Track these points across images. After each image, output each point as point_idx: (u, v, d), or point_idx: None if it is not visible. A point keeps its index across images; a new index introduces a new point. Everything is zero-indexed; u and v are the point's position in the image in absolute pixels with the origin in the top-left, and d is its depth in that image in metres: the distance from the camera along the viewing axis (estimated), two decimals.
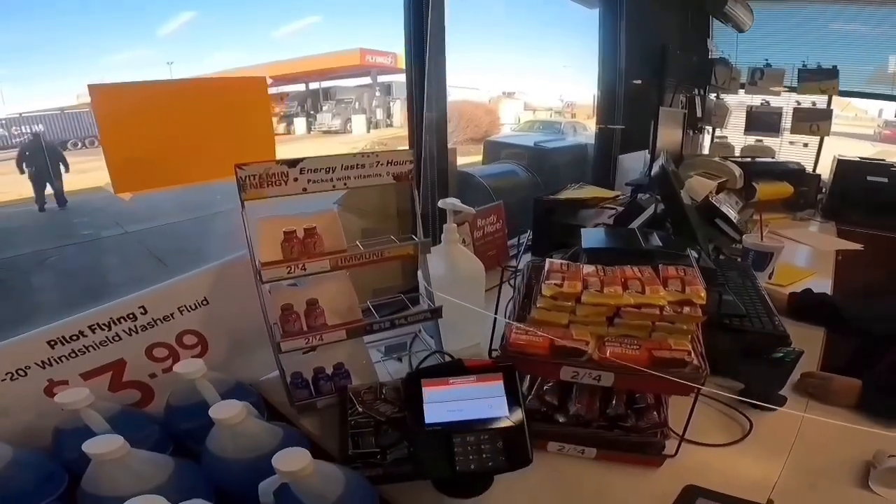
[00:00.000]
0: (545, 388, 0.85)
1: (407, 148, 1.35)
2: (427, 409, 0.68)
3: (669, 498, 0.74)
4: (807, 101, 2.84)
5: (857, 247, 1.80)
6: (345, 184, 0.86)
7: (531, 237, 1.56)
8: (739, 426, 0.90)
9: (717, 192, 1.80)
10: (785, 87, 2.89)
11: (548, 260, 0.86)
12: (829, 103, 2.77)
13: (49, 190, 6.04)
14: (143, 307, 0.84)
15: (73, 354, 0.78)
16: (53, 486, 0.66)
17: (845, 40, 3.01)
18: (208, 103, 0.97)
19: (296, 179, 0.81)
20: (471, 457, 0.65)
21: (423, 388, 0.69)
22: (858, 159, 2.41)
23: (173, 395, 0.80)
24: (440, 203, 1.02)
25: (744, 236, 1.47)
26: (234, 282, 0.90)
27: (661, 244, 0.95)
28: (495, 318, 0.83)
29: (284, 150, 0.81)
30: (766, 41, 3.15)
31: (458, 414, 0.68)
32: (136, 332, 0.84)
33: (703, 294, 0.74)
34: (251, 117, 1.02)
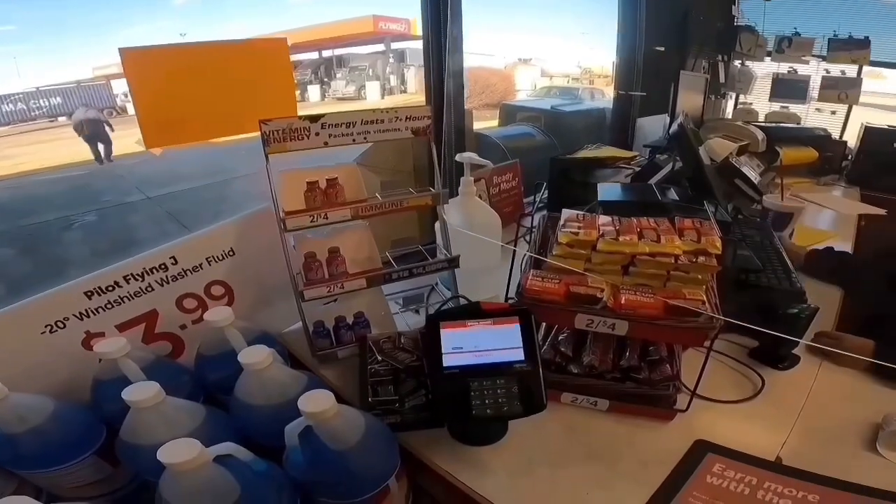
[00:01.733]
0: (560, 338, 0.86)
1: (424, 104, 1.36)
2: (445, 354, 0.70)
3: (680, 452, 0.75)
4: (836, 70, 2.76)
5: (881, 211, 1.77)
6: (365, 138, 0.87)
7: (547, 195, 1.57)
8: (751, 384, 0.90)
9: (739, 155, 1.77)
10: (814, 55, 2.81)
11: (564, 210, 0.87)
12: (859, 72, 2.71)
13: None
14: (173, 258, 0.87)
15: (109, 306, 0.81)
16: (93, 439, 0.69)
17: (880, 10, 2.89)
18: (233, 64, 0.99)
19: (317, 134, 0.83)
20: (487, 401, 0.66)
21: (441, 331, 0.71)
22: (887, 127, 2.34)
23: (203, 345, 0.82)
24: (458, 157, 1.03)
25: (764, 197, 1.45)
26: (259, 233, 0.93)
27: (677, 198, 0.95)
28: (511, 266, 0.84)
29: None
30: (794, 10, 3.04)
31: (475, 358, 0.69)
32: (168, 283, 0.87)
33: (718, 244, 0.75)
34: (273, 77, 1.04)
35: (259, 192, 0.90)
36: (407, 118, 0.90)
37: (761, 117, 2.88)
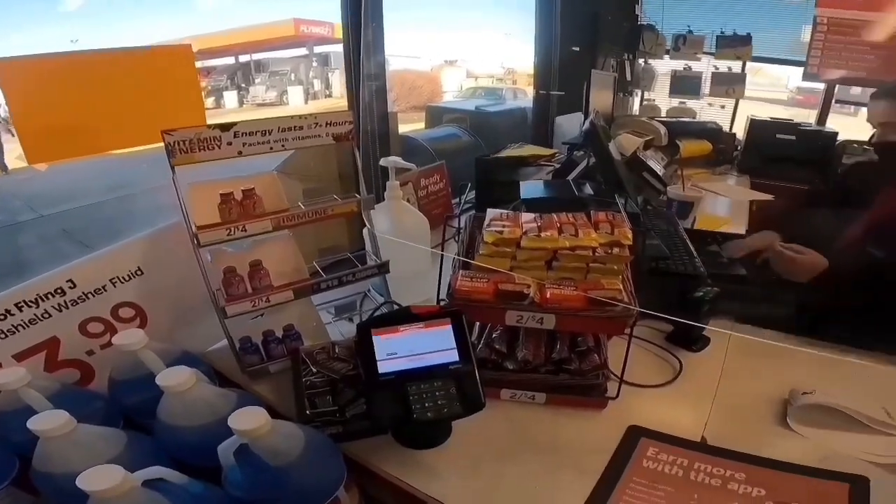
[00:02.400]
0: (493, 335, 0.88)
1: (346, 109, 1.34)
2: (380, 360, 0.69)
3: (616, 438, 0.78)
4: (725, 66, 2.99)
5: (768, 197, 1.99)
6: (283, 146, 0.85)
7: (474, 195, 1.60)
8: (672, 367, 0.95)
9: (645, 149, 1.91)
10: (705, 52, 3.03)
11: (489, 210, 0.89)
12: (742, 68, 2.96)
13: None
14: (70, 281, 0.80)
15: (2, 335, 0.74)
16: (5, 471, 0.63)
17: (763, 8, 3.14)
18: (132, 73, 0.94)
19: (229, 143, 0.79)
20: (427, 404, 0.67)
21: (374, 338, 0.71)
22: (769, 119, 2.63)
23: (116, 370, 0.77)
24: (382, 161, 1.03)
25: (668, 188, 1.58)
26: (170, 249, 0.88)
27: (592, 193, 1.00)
28: (441, 268, 0.85)
29: None
30: (689, 8, 3.25)
31: (410, 363, 0.70)
32: (67, 308, 0.80)
33: (629, 235, 0.80)
34: (178, 85, 1.00)
35: (171, 206, 0.84)
36: (328, 124, 0.88)
37: (663, 112, 3.07)
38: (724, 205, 1.92)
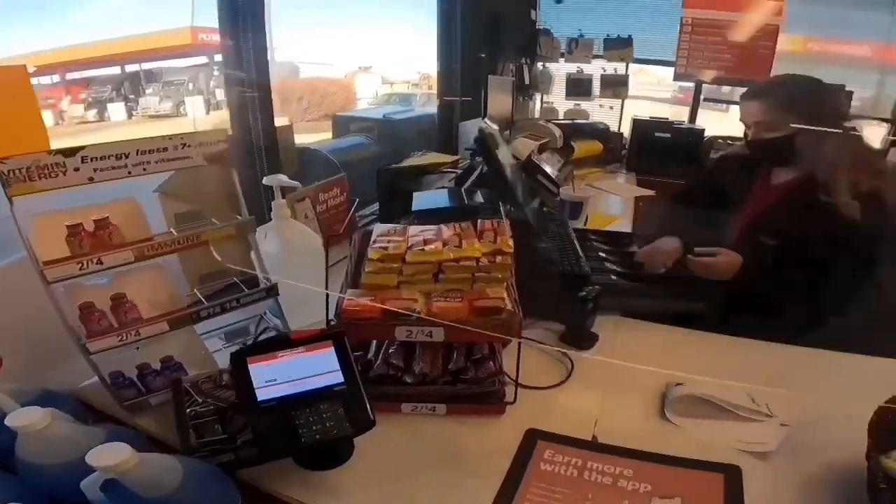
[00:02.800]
0: (390, 351, 0.88)
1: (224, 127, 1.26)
2: (259, 387, 0.68)
3: (516, 442, 0.80)
4: (612, 68, 3.17)
5: (651, 193, 2.17)
6: (144, 169, 0.79)
7: (378, 207, 1.59)
8: (565, 367, 0.98)
9: (541, 152, 2.01)
10: (595, 55, 3.21)
11: (377, 225, 0.89)
12: (626, 69, 3.17)
13: None
14: None
15: None
16: None
17: (644, 11, 3.31)
18: None
19: (76, 169, 0.72)
20: (315, 427, 0.66)
21: (249, 367, 0.68)
22: (648, 119, 2.88)
23: None
24: (265, 180, 0.99)
25: (560, 189, 1.67)
26: (16, 286, 0.78)
27: (482, 201, 1.03)
28: (327, 288, 0.83)
29: (98, 138, 0.73)
30: (582, 12, 3.38)
31: (292, 388, 0.68)
32: None
33: (510, 243, 0.83)
34: (12, 109, 0.89)
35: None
36: (199, 144, 0.83)
37: (561, 114, 3.21)
38: (612, 202, 2.07)
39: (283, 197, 1.03)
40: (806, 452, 0.77)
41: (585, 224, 1.64)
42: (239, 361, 0.68)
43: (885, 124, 2.92)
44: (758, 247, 1.25)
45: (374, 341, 0.89)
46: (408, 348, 0.88)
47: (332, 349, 0.70)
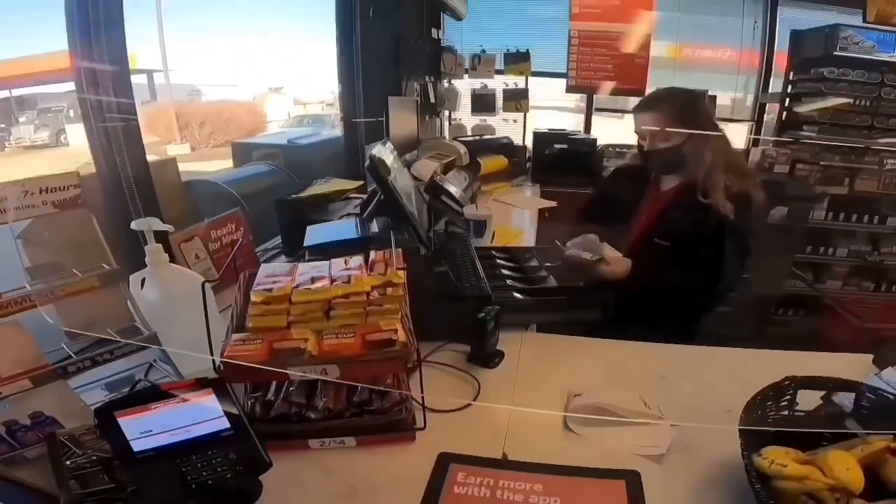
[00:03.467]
0: (290, 389, 0.85)
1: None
2: (134, 439, 0.64)
3: (428, 468, 0.80)
4: (513, 82, 3.25)
5: (552, 203, 2.28)
6: None
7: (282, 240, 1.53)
8: (473, 387, 0.99)
9: (448, 171, 2.04)
10: (497, 70, 3.29)
11: (263, 266, 0.85)
12: (526, 83, 3.28)
13: None
14: None
15: None
16: None
17: (541, 25, 3.47)
18: None
19: None
20: (205, 473, 0.66)
21: (121, 420, 0.64)
22: (547, 131, 3.03)
23: None
24: (133, 225, 0.91)
25: (464, 208, 1.70)
26: None
27: (377, 230, 1.02)
28: (209, 334, 0.78)
29: None
30: (484, 28, 3.51)
31: (173, 436, 0.65)
32: None
33: (401, 274, 0.82)
34: None
35: None
36: (45, 190, 0.75)
37: (469, 131, 3.29)
38: (517, 216, 2.14)
39: (172, 236, 0.95)
40: (696, 451, 0.83)
41: (492, 241, 1.68)
42: (105, 416, 0.64)
43: (745, 124, 3.32)
44: (652, 248, 1.35)
45: (274, 381, 0.85)
46: (309, 384, 0.85)
47: (212, 396, 0.66)
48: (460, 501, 0.74)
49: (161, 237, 1.02)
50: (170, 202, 1.35)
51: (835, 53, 2.88)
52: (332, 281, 0.80)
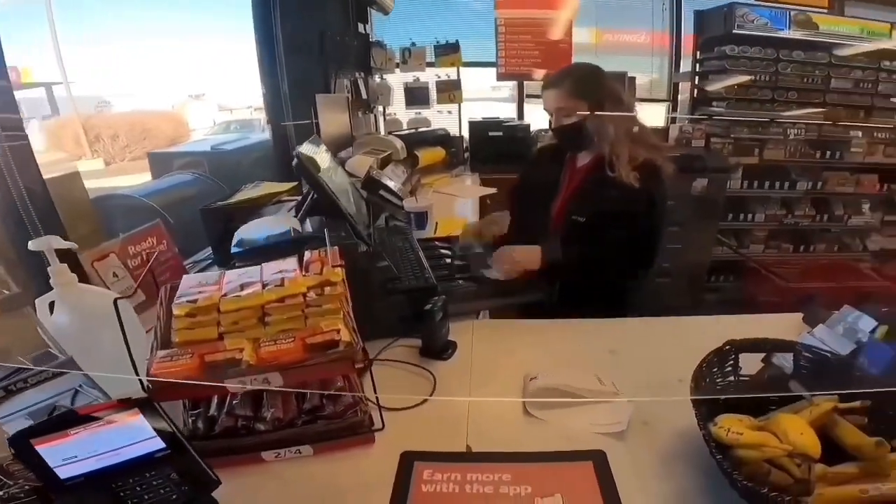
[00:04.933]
0: (234, 402, 0.80)
1: None
2: (58, 466, 0.60)
3: (393, 469, 0.78)
4: (445, 73, 3.22)
5: (492, 190, 2.29)
6: None
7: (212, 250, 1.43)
8: (429, 382, 0.98)
9: (385, 166, 2.00)
10: (428, 62, 3.27)
11: (185, 277, 0.79)
12: (458, 74, 3.27)
13: None
14: None
15: None
16: None
17: (470, 15, 3.49)
18: None
19: None
20: (146, 496, 0.63)
21: (39, 448, 0.59)
22: (482, 119, 3.05)
23: None
24: (31, 245, 0.81)
25: (404, 202, 1.67)
26: None
27: (311, 230, 0.98)
28: (130, 353, 0.71)
29: None
30: (411, 21, 3.47)
31: (103, 460, 0.61)
32: None
33: (338, 272, 0.79)
34: None
35: None
36: None
37: (405, 125, 3.27)
38: (459, 205, 2.14)
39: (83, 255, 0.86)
40: (655, 425, 0.84)
41: (435, 232, 1.67)
42: (20, 445, 0.59)
43: (663, 104, 3.50)
44: (572, 225, 1.37)
45: (215, 395, 0.80)
46: (254, 395, 0.81)
47: (140, 417, 0.61)
48: (430, 499, 0.72)
49: (68, 257, 0.93)
50: (77, 220, 1.23)
51: (734, 31, 3.09)
52: (264, 286, 0.75)
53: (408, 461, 0.79)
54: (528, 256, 1.32)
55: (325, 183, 1.05)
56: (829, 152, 3.34)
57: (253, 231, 1.00)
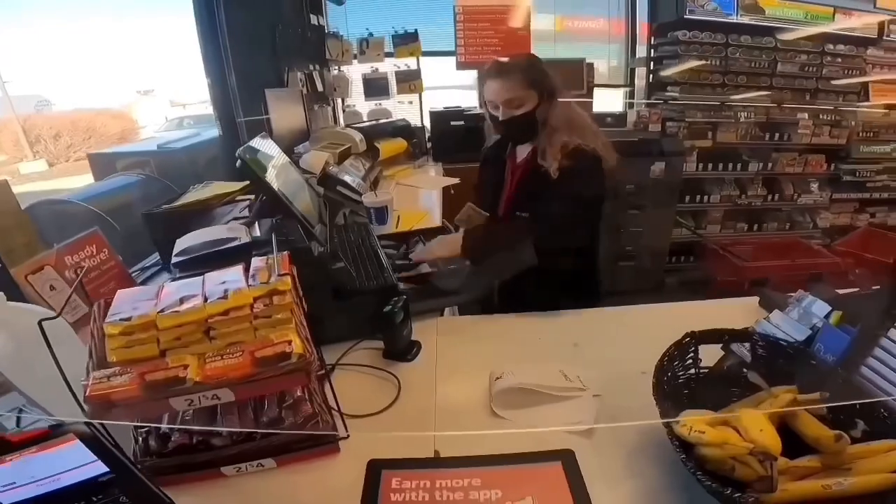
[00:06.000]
0: (186, 418, 0.77)
1: None
2: None
3: (360, 477, 0.76)
4: (405, 63, 3.18)
5: (455, 181, 2.27)
6: None
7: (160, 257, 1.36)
8: (394, 385, 0.95)
9: (344, 160, 1.94)
10: (387, 52, 3.19)
11: (119, 292, 0.74)
12: (418, 64, 3.22)
13: None
14: None
15: None
16: None
17: (428, 4, 3.39)
18: None
19: None
20: None
21: None
22: (442, 109, 3.00)
23: None
24: None
25: (362, 196, 1.63)
26: None
27: (258, 234, 0.93)
28: (63, 374, 0.65)
29: None
30: (366, 11, 3.36)
31: (43, 486, 0.59)
32: None
33: (287, 281, 0.75)
34: None
35: None
36: None
37: (365, 117, 3.18)
38: (422, 197, 2.10)
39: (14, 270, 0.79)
40: (622, 420, 0.83)
41: (396, 226, 1.63)
42: None
43: (622, 90, 3.55)
44: (517, 221, 1.35)
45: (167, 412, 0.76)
46: (208, 411, 0.77)
47: (76, 441, 0.57)
48: None
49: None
50: (7, 231, 1.14)
51: (685, 17, 3.15)
52: (206, 299, 0.71)
53: (375, 470, 0.78)
54: (445, 245, 1.28)
55: (271, 184, 1.00)
56: (777, 134, 3.46)
57: (196, 238, 0.94)
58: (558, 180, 1.24)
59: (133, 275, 1.38)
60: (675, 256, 3.56)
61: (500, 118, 1.31)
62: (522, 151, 1.40)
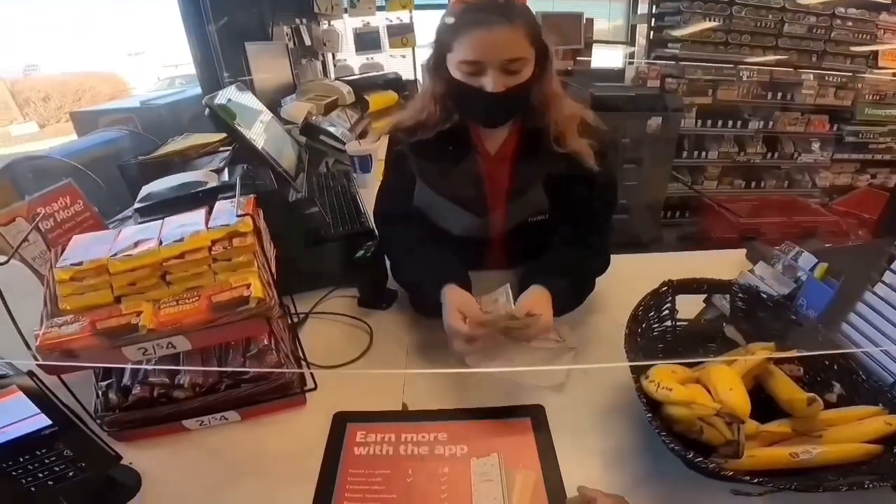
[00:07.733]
0: (148, 370, 0.75)
1: None
2: None
3: (326, 430, 0.75)
4: (397, 17, 3.07)
5: None
6: None
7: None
8: (365, 334, 0.92)
9: (329, 112, 1.89)
10: (378, 6, 3.08)
11: (75, 237, 0.72)
12: (410, 17, 3.10)
13: None
14: None
15: None
16: None
17: None
18: None
19: None
20: (41, 475, 0.60)
21: None
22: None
23: None
24: None
25: (346, 145, 1.58)
26: None
27: (227, 179, 0.90)
28: (15, 324, 0.64)
29: None
30: None
31: None
32: None
33: (248, 221, 0.72)
34: None
35: None
36: None
37: (356, 70, 3.10)
38: None
39: None
40: (595, 376, 0.81)
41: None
42: None
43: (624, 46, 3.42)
44: (529, 228, 1.01)
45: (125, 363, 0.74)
46: (170, 360, 0.75)
47: (20, 394, 0.56)
48: (362, 463, 0.70)
49: None
50: None
51: None
52: (161, 242, 0.68)
53: (340, 423, 0.77)
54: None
55: (241, 129, 0.96)
56: (780, 93, 3.37)
57: (163, 184, 0.91)
58: (599, 167, 0.91)
59: (111, 226, 1.36)
60: (670, 211, 3.53)
61: (492, 88, 0.83)
62: (494, 138, 0.96)
